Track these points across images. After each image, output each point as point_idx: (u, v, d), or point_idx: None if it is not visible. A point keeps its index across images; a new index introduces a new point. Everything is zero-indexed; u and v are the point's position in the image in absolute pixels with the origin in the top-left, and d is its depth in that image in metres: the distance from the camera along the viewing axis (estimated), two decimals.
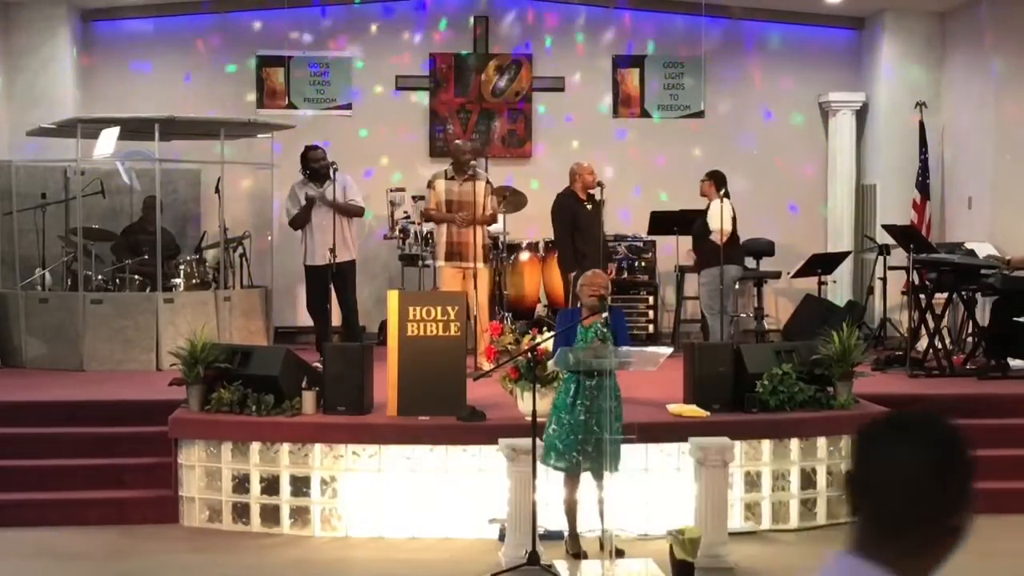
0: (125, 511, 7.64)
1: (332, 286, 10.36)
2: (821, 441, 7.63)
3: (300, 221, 10.44)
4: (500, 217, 11.70)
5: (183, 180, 12.27)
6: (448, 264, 9.96)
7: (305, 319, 11.44)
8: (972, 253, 10.46)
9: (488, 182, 10.13)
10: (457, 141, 10.46)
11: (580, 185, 10.57)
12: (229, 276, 11.28)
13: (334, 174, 10.16)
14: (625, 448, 6.66)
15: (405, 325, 7.65)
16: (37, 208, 11.01)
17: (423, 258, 11.75)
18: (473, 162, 10.18)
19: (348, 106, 13.08)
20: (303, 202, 10.38)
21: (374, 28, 13.16)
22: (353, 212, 10.55)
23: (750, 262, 12.09)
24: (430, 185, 10.10)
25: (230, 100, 12.83)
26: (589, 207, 10.58)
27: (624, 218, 12.90)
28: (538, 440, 6.52)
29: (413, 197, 12.13)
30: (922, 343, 10.17)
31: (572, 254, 10.34)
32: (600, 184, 10.77)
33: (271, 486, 7.43)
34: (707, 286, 10.71)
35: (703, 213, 10.84)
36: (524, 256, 12.04)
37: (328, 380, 7.66)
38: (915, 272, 10.06)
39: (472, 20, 13.18)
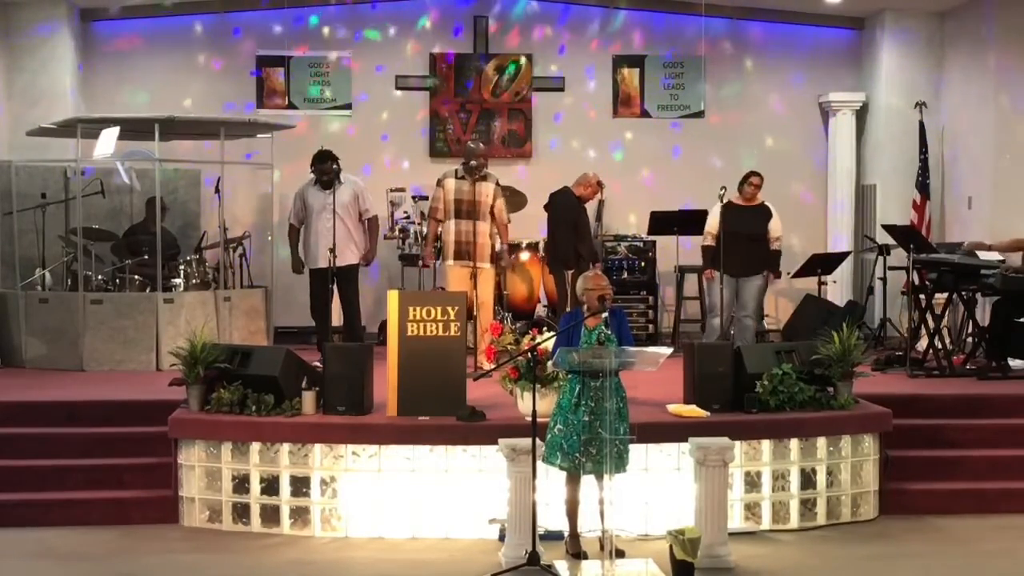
0: (125, 511, 7.63)
1: (335, 288, 10.38)
2: (821, 441, 7.63)
3: (292, 236, 10.67)
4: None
5: (183, 180, 12.27)
6: (457, 263, 9.97)
7: (304, 319, 11.40)
8: (972, 253, 10.46)
9: (497, 183, 10.15)
10: (470, 144, 10.48)
11: (581, 192, 10.64)
12: (229, 276, 11.27)
13: (338, 179, 10.32)
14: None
15: (405, 325, 7.65)
16: (37, 208, 11.01)
17: (423, 258, 11.76)
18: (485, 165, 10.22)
19: (348, 106, 13.09)
20: (306, 203, 10.45)
21: (374, 28, 13.17)
22: (376, 233, 10.76)
23: None
24: (439, 183, 10.11)
25: (230, 100, 12.84)
26: (584, 208, 10.66)
27: (624, 218, 12.94)
28: (539, 440, 6.52)
29: (413, 197, 12.14)
30: (922, 343, 10.17)
31: (574, 253, 10.39)
32: (600, 184, 10.82)
33: (271, 486, 7.43)
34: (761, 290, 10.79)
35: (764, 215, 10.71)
36: (524, 256, 12.05)
37: (328, 380, 7.66)
38: (915, 272, 10.06)
39: (472, 20, 13.19)
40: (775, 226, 10.77)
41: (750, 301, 10.67)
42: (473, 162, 9.96)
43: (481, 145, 10.51)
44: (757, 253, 10.64)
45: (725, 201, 10.67)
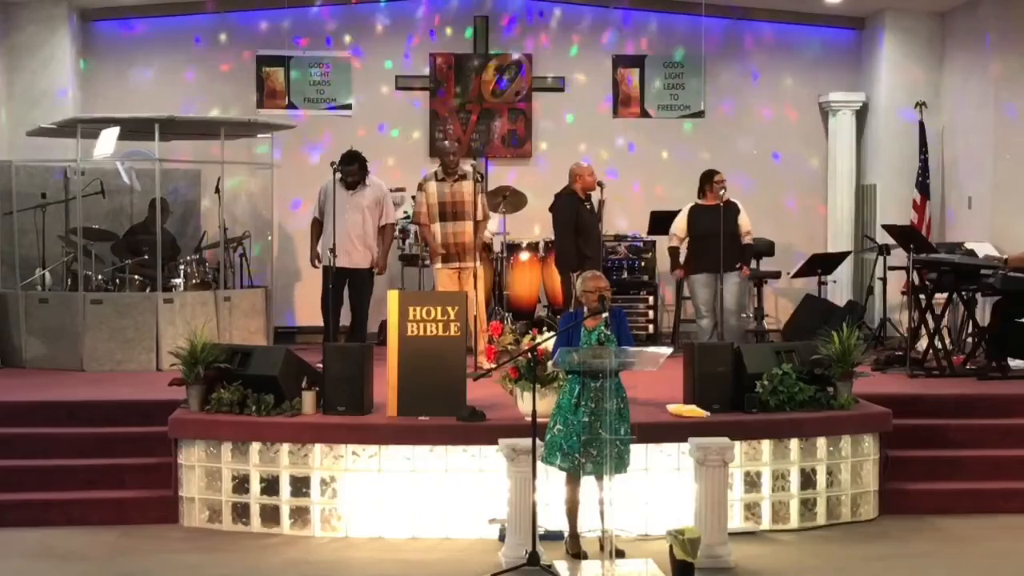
0: (125, 511, 7.63)
1: (346, 290, 10.37)
2: (821, 441, 7.62)
3: (313, 228, 10.65)
4: (501, 217, 11.73)
5: (183, 180, 12.27)
6: (445, 266, 10.00)
7: (305, 319, 11.45)
8: (972, 253, 10.46)
9: (477, 181, 10.14)
10: (445, 142, 10.51)
11: (580, 186, 10.60)
12: (229, 276, 11.27)
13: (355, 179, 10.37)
14: None
15: (405, 325, 7.65)
16: (37, 208, 11.01)
17: (423, 258, 11.76)
18: (471, 163, 10.21)
19: (348, 106, 13.09)
20: (329, 199, 10.34)
21: (374, 28, 13.17)
22: (387, 242, 10.79)
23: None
24: (421, 188, 10.15)
25: (230, 100, 12.85)
26: (588, 207, 10.62)
27: (624, 218, 12.93)
28: (539, 440, 6.52)
29: (413, 197, 12.12)
30: (922, 343, 10.17)
31: (576, 255, 10.35)
32: (600, 184, 10.80)
33: (271, 486, 7.42)
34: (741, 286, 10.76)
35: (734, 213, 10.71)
36: (524, 256, 12.05)
37: (328, 380, 7.66)
38: (915, 272, 10.05)
39: (472, 20, 13.19)
40: (744, 221, 10.72)
41: (730, 298, 10.64)
42: (449, 160, 10.01)
43: (456, 144, 10.51)
44: (731, 250, 10.55)
45: (691, 204, 10.69)
